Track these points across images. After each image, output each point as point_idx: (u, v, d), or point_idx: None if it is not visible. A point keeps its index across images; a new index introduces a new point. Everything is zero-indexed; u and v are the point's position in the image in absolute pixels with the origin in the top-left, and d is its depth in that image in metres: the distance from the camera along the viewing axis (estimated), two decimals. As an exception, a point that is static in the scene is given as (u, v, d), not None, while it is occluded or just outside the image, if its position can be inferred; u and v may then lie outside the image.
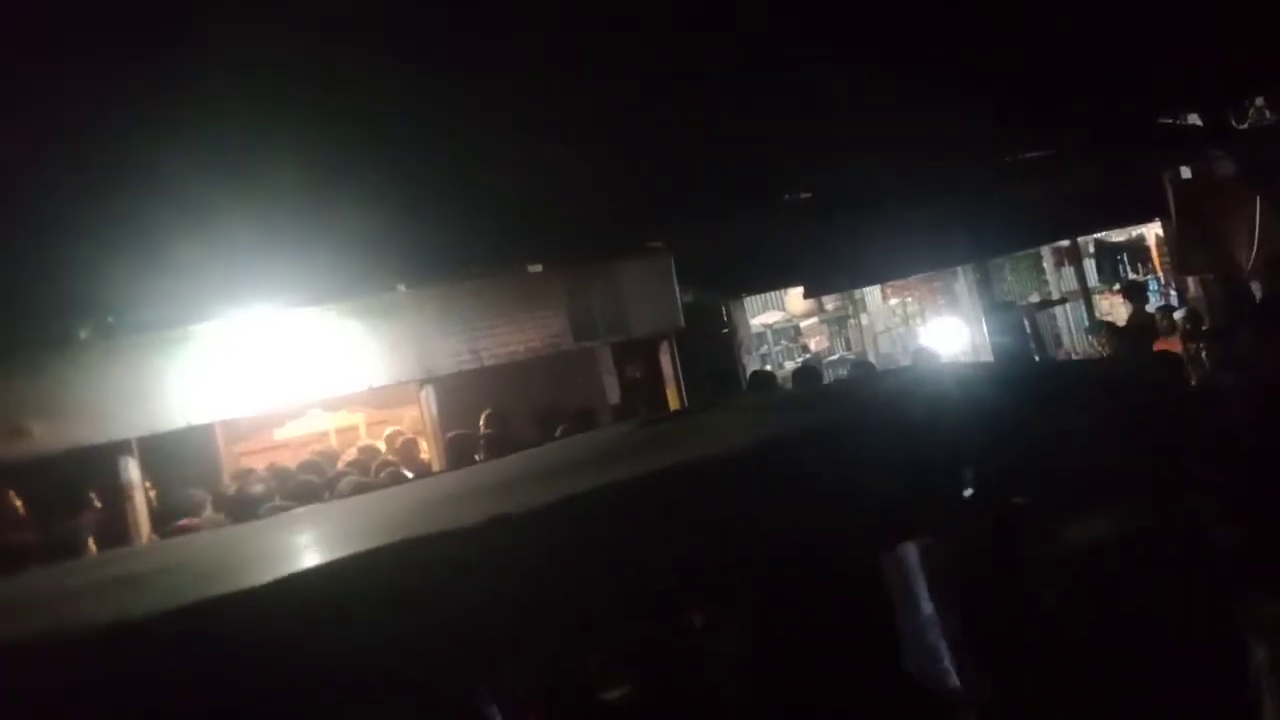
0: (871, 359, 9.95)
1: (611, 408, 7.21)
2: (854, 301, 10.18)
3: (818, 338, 10.75)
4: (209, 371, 5.22)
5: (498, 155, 4.64)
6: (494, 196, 4.75)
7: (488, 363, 5.80)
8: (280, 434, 8.61)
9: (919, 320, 9.90)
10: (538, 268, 5.92)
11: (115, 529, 5.17)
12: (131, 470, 5.19)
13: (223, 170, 3.78)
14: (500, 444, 5.59)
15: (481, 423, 6.14)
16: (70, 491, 5.20)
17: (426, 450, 6.35)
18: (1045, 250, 9.54)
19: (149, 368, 5.11)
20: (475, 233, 4.89)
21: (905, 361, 8.05)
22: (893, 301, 10.17)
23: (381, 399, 8.21)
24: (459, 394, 6.14)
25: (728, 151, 5.10)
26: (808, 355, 10.23)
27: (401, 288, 5.56)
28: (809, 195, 6.13)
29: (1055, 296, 9.61)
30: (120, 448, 5.13)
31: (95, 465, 5.18)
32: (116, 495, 5.16)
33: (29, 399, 4.84)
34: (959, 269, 8.65)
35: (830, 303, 10.34)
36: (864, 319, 10.17)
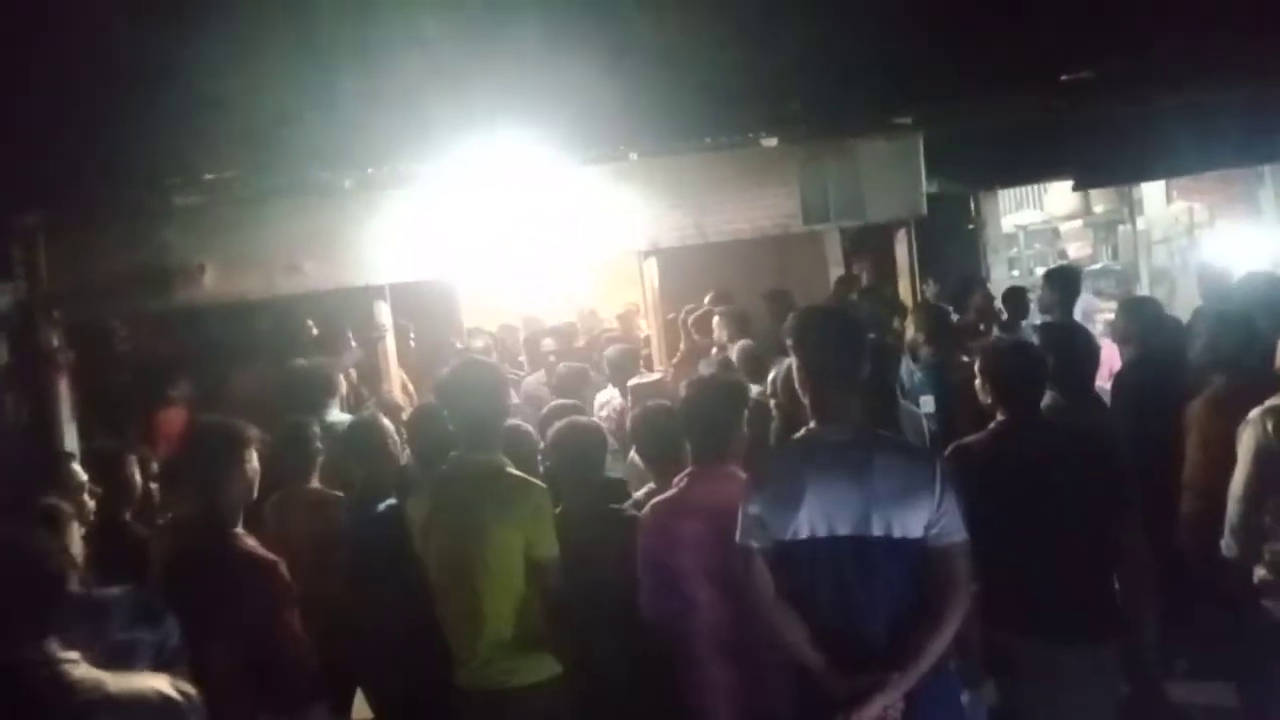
0: (1143, 271, 8.86)
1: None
2: (1131, 203, 9.01)
3: (1079, 243, 9.67)
4: (452, 228, 5.52)
5: (738, 22, 4.41)
6: (732, 64, 4.54)
7: (712, 238, 5.72)
8: (511, 298, 9.13)
9: (1206, 230, 8.62)
10: (772, 141, 5.68)
11: (371, 365, 5.74)
12: (384, 314, 5.67)
13: (462, 38, 3.92)
14: (739, 322, 5.34)
15: (707, 301, 6.06)
16: (332, 328, 5.80)
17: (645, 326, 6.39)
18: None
19: (403, 218, 5.47)
20: (709, 101, 4.72)
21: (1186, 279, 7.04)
22: (1177, 205, 8.90)
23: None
24: (679, 269, 6.13)
25: (997, 20, 4.53)
26: (1064, 262, 9.25)
27: (634, 155, 5.54)
28: (1091, 75, 5.34)
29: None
30: (375, 292, 5.61)
31: (353, 306, 5.72)
32: (371, 335, 5.68)
33: (302, 239, 5.37)
34: (1265, 170, 7.40)
35: (1099, 204, 9.22)
36: (1139, 223, 9.01)
